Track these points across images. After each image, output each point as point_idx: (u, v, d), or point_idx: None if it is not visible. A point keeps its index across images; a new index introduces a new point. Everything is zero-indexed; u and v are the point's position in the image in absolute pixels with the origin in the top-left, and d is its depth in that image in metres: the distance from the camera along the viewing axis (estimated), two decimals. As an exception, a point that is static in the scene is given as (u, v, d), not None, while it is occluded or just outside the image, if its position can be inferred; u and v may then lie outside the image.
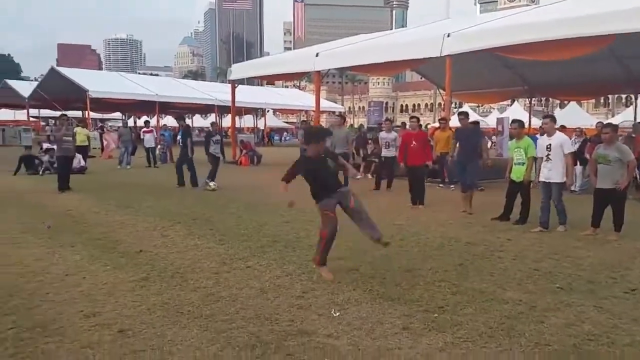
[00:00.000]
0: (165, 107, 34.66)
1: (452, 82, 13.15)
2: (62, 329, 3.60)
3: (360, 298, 4.31)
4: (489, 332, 3.61)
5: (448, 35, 12.73)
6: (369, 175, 14.33)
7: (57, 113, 36.83)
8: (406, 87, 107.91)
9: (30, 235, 6.69)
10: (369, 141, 16.06)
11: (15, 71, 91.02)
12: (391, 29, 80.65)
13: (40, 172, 14.88)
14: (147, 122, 22.32)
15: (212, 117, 44.62)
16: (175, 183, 12.24)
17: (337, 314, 3.93)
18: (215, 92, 33.71)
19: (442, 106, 22.58)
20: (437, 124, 19.74)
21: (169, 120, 38.41)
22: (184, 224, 7.50)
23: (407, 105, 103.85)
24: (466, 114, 9.82)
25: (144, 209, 8.96)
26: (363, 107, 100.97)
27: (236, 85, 21.61)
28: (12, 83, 40.20)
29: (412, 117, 10.41)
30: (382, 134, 12.74)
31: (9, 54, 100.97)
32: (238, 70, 21.40)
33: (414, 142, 9.44)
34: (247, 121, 44.66)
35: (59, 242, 6.23)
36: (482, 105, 57.22)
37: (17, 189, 11.64)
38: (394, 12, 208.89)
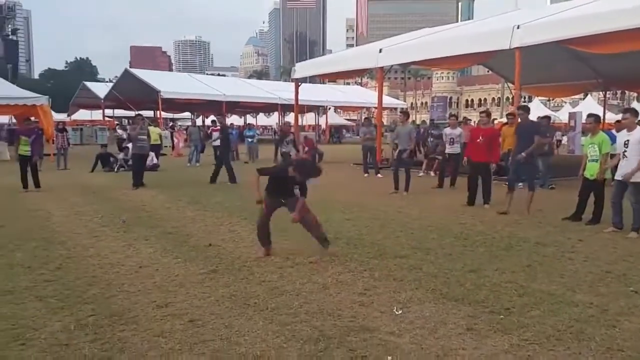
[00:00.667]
0: (231, 107, 35.64)
1: (521, 75, 12.67)
2: (136, 318, 3.83)
3: (423, 297, 4.28)
4: (556, 335, 3.49)
5: (518, 27, 12.28)
6: (432, 173, 14.10)
7: (131, 113, 38.86)
8: (472, 81, 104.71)
9: (107, 228, 7.14)
10: (430, 138, 15.78)
11: (92, 73, 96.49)
12: (457, 21, 78.55)
13: (115, 169, 15.77)
14: (214, 122, 23.06)
15: (275, 116, 45.45)
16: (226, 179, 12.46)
17: (400, 312, 3.93)
18: (279, 90, 34.28)
19: (511, 100, 21.78)
20: (504, 119, 19.11)
21: (235, 120, 39.50)
22: (250, 220, 7.70)
23: (472, 100, 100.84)
24: (526, 109, 9.35)
25: (213, 204, 9.31)
26: (425, 103, 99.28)
27: (299, 83, 21.89)
28: (90, 85, 42.78)
29: (482, 112, 10.10)
30: (447, 130, 12.52)
31: (87, 58, 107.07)
32: (301, 69, 21.65)
33: (480, 138, 9.20)
34: (309, 119, 45.13)
35: (134, 236, 6.61)
36: (553, 99, 54.59)
37: (95, 185, 12.40)
38: (459, 4, 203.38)
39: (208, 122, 39.30)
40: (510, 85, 21.96)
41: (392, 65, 18.18)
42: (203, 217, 7.99)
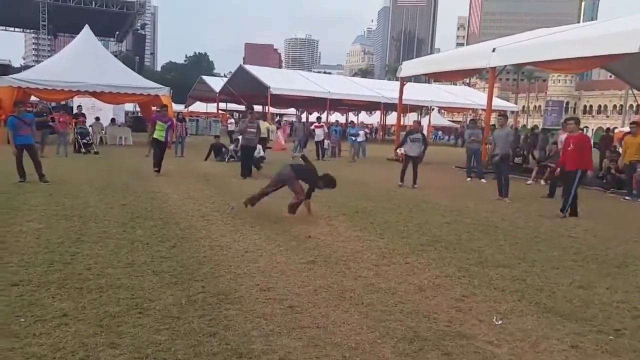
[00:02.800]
0: (335, 104, 36.16)
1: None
2: (241, 299, 4.08)
3: (525, 309, 4.11)
4: (678, 366, 3.19)
5: (649, 29, 11.20)
6: (542, 182, 13.32)
7: (242, 107, 40.77)
8: (592, 86, 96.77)
9: (217, 213, 7.62)
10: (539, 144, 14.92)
11: (209, 68, 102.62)
12: (578, 22, 72.93)
13: (226, 160, 16.72)
14: (318, 118, 23.56)
15: (377, 115, 45.35)
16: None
17: (499, 322, 3.82)
18: (382, 89, 34.16)
19: (635, 109, 19.86)
20: (626, 128, 17.52)
21: (338, 117, 39.98)
22: (347, 216, 7.86)
23: (591, 106, 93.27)
24: None
25: (313, 197, 9.54)
26: (539, 107, 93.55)
27: (405, 82, 21.67)
28: (206, 79, 45.60)
29: (568, 119, 9.60)
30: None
31: (205, 53, 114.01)
32: (408, 67, 21.41)
33: (571, 145, 8.76)
34: (411, 119, 44.39)
35: (241, 222, 7.00)
36: (689, 109, 49.02)
37: (208, 172, 13.22)
38: (583, 3, 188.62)
39: (312, 118, 40.19)
40: (636, 92, 20.09)
41: (504, 66, 17.39)
42: (303, 210, 8.23)
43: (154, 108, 21.20)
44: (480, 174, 14.19)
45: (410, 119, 43.99)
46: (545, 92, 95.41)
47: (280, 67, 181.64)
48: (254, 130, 12.80)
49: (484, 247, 6.15)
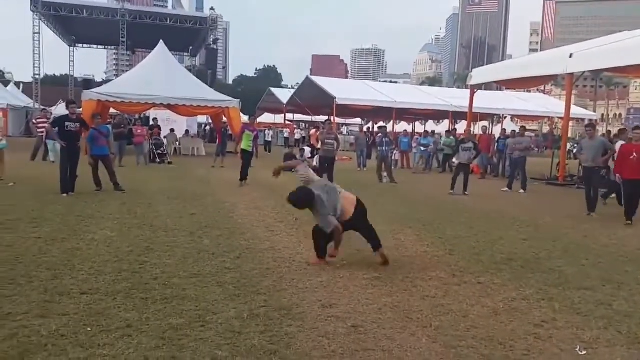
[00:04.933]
0: (400, 113, 35.66)
1: None
2: (303, 315, 3.95)
3: (612, 339, 3.70)
4: None
5: None
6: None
7: (308, 118, 41.16)
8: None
9: (282, 224, 7.59)
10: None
11: (278, 80, 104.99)
12: (667, 23, 68.07)
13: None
14: (382, 127, 23.23)
15: (445, 124, 44.30)
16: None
17: (584, 352, 3.45)
18: (451, 97, 33.27)
19: None
20: None
21: (404, 126, 39.43)
22: (414, 229, 7.57)
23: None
24: None
25: (378, 210, 9.33)
26: (619, 115, 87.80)
27: (475, 90, 20.97)
28: (275, 90, 46.52)
29: (635, 128, 9.26)
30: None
31: (274, 65, 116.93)
32: (479, 75, 20.71)
33: (634, 154, 8.60)
34: (481, 127, 43.00)
35: (305, 234, 6.89)
36: None
37: (276, 182, 13.27)
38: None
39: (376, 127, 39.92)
40: None
41: (583, 72, 16.37)
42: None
43: (224, 120, 21.86)
44: (524, 184, 13.38)
45: (480, 128, 42.72)
46: (627, 99, 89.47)
47: (346, 77, 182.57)
48: (332, 141, 12.79)
49: (564, 267, 5.68)
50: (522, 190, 13.16)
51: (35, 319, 3.62)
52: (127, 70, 36.07)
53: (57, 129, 9.58)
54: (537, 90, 57.15)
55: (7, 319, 3.62)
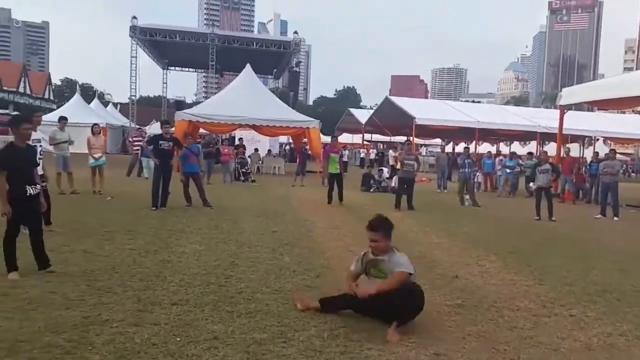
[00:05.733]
0: (484, 134, 34.60)
1: None
2: (383, 340, 3.88)
3: None
4: None
5: None
6: None
7: (386, 138, 41.02)
8: None
9: (359, 245, 7.54)
10: None
11: (356, 100, 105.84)
12: None
13: (371, 190, 16.84)
14: (466, 149, 22.65)
15: (532, 145, 42.39)
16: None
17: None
18: (538, 117, 31.82)
19: None
20: None
21: (488, 147, 38.16)
22: (499, 256, 7.27)
23: None
24: None
25: (460, 234, 9.10)
26: None
27: (565, 110, 19.91)
28: (353, 111, 46.96)
29: None
30: None
31: (353, 86, 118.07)
32: (569, 94, 19.64)
33: None
34: (573, 150, 40.67)
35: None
36: None
37: (354, 203, 13.32)
38: None
39: (459, 149, 38.97)
40: None
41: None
42: (448, 246, 7.85)
43: (304, 140, 22.34)
44: (615, 210, 12.40)
45: (571, 150, 40.42)
46: None
47: (426, 97, 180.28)
48: (412, 162, 12.73)
49: (670, 304, 5.20)
50: (615, 218, 12.27)
51: (129, 327, 3.86)
52: (215, 92, 37.97)
53: (152, 146, 10.25)
54: (633, 111, 53.22)
55: (106, 325, 3.89)
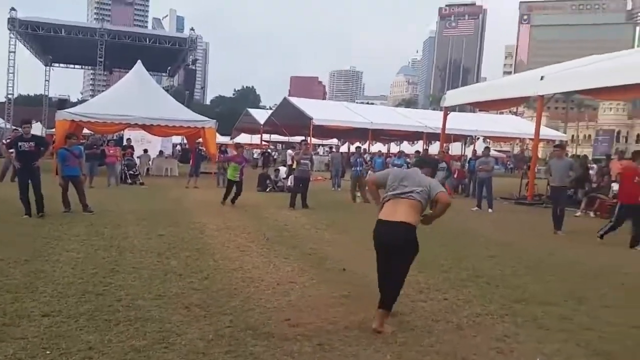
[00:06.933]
0: (377, 134, 36.12)
1: None
2: (269, 334, 3.93)
3: (572, 352, 3.80)
4: None
5: None
6: (592, 213, 12.67)
7: (284, 138, 41.34)
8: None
9: (253, 244, 7.57)
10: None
11: (256, 101, 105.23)
12: (632, 47, 70.62)
13: (267, 190, 16.84)
14: (358, 148, 23.47)
15: (419, 144, 44.97)
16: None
17: (544, 365, 3.51)
18: (426, 119, 33.86)
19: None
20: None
21: (379, 147, 39.89)
22: (386, 248, 7.61)
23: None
24: None
25: (351, 229, 9.40)
26: (589, 136, 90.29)
27: (448, 112, 21.37)
28: (252, 111, 46.70)
29: (636, 152, 9.20)
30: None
31: (252, 86, 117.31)
32: (452, 96, 21.13)
33: (637, 178, 8.49)
34: (455, 149, 43.75)
35: (275, 254, 6.91)
36: None
37: (247, 203, 13.23)
38: (637, 28, 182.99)
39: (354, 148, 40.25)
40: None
41: (554, 94, 16.87)
42: (340, 241, 8.09)
43: (198, 140, 21.76)
44: (490, 203, 13.63)
45: (453, 148, 43.44)
46: (596, 121, 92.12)
47: (324, 99, 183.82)
48: (308, 161, 13.08)
49: (529, 283, 5.79)
50: (490, 210, 13.37)
51: (-10, 343, 3.53)
52: (103, 91, 35.73)
53: (11, 150, 9.37)
54: (509, 112, 58.48)
55: (-39, 343, 3.53)
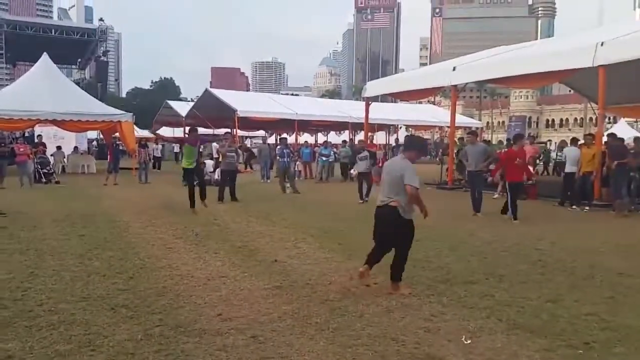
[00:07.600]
0: (303, 125, 36.23)
1: (606, 94, 11.92)
2: (200, 331, 3.88)
3: (494, 327, 4.04)
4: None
5: (602, 44, 11.60)
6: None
7: (209, 130, 40.48)
8: (552, 101, 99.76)
9: (181, 241, 7.39)
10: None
11: (176, 93, 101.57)
12: (536, 39, 75.68)
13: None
14: (283, 139, 23.42)
15: (345, 135, 45.71)
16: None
17: (469, 341, 3.72)
18: (350, 109, 34.43)
19: (594, 121, 20.53)
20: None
21: (307, 138, 40.07)
22: (316, 237, 7.72)
23: (553, 120, 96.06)
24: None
25: (280, 220, 9.42)
26: (503, 122, 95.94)
27: (370, 102, 21.86)
28: (172, 103, 45.13)
29: (516, 136, 10.63)
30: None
31: (171, 77, 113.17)
32: (372, 87, 21.63)
33: (518, 160, 9.88)
34: (380, 138, 44.92)
35: (205, 249, 6.79)
36: (643, 120, 51.05)
37: (173, 198, 12.88)
38: (539, 21, 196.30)
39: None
40: (594, 105, 20.80)
41: (466, 84, 17.73)
42: (271, 233, 8.08)
43: (115, 135, 20.77)
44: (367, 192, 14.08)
45: (378, 137, 44.58)
46: (508, 108, 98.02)
47: (247, 90, 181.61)
48: (233, 154, 12.95)
49: (452, 264, 6.10)
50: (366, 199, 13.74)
51: None
52: (6, 85, 33.12)
53: None
54: (428, 101, 60.84)
55: None
